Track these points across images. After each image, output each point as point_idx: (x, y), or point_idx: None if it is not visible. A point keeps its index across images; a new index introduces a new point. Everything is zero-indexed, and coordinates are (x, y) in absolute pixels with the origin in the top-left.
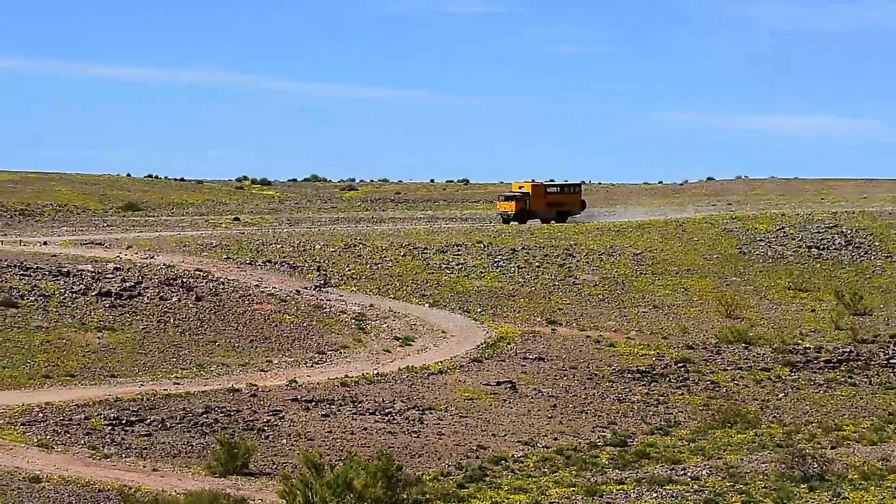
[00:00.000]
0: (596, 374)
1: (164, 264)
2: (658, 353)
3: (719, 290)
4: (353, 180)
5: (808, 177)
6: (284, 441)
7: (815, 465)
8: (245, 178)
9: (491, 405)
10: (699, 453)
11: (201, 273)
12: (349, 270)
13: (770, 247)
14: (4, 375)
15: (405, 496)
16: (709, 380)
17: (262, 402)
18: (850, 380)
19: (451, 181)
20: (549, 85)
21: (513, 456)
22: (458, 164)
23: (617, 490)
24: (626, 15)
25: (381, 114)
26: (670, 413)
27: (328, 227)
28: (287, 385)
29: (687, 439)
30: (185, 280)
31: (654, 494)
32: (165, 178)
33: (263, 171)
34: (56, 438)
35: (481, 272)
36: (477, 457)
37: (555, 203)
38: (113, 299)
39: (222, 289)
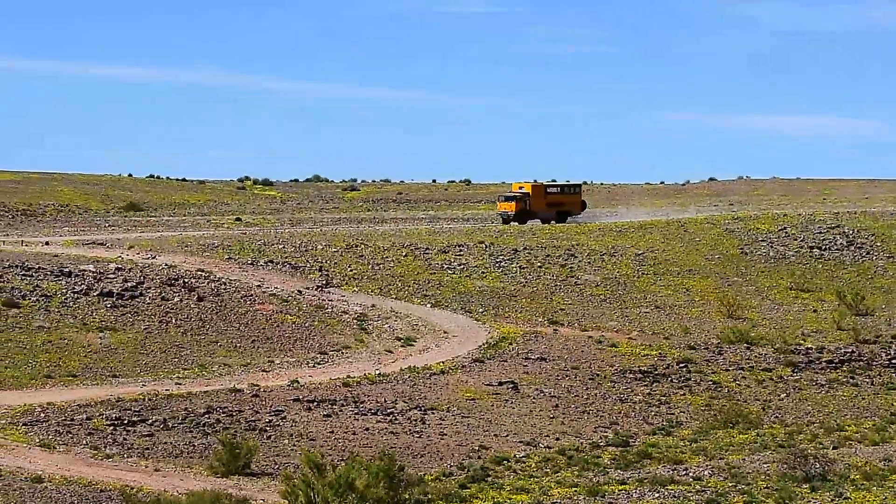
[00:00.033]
0: (598, 375)
1: (166, 264)
2: (660, 353)
3: (721, 291)
4: (355, 181)
5: (809, 177)
6: (286, 441)
7: (817, 466)
8: (247, 178)
9: (493, 405)
10: (701, 453)
11: (203, 273)
12: (351, 271)
13: (772, 247)
14: (6, 375)
15: (407, 496)
16: (711, 380)
17: (263, 403)
18: (852, 380)
19: (453, 181)
20: (550, 85)
21: (515, 456)
22: (460, 164)
23: (619, 490)
24: (626, 15)
25: (382, 114)
26: (672, 413)
27: (330, 228)
28: (289, 385)
29: (689, 439)
30: (186, 280)
31: (656, 495)
32: (167, 178)
33: (265, 172)
34: (58, 438)
35: (483, 272)
36: (479, 457)
37: (555, 203)
38: (115, 299)
39: (224, 289)
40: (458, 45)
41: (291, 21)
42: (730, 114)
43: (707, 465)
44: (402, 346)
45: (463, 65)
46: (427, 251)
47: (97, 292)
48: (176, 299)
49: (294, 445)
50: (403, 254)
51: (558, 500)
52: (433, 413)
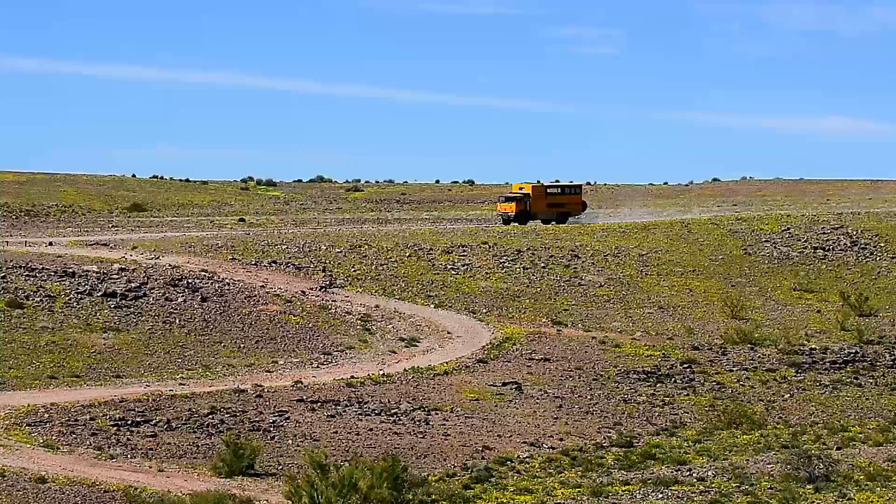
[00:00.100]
0: (601, 375)
1: (170, 265)
2: (663, 353)
3: (725, 291)
4: (359, 181)
5: (813, 178)
6: (290, 442)
7: (821, 466)
8: (250, 178)
9: (496, 406)
10: (705, 454)
11: (207, 274)
12: (355, 271)
13: (775, 248)
14: (10, 376)
15: (411, 497)
16: (714, 381)
17: (267, 403)
18: (856, 381)
19: (457, 182)
20: (554, 85)
21: (518, 457)
22: (464, 164)
23: (622, 491)
24: (632, 15)
25: (386, 114)
26: (676, 414)
27: (334, 228)
28: (293, 386)
29: (692, 440)
30: (190, 281)
31: (660, 495)
32: (171, 178)
33: (269, 172)
34: (62, 439)
35: (487, 273)
36: (482, 457)
37: (555, 204)
38: (118, 300)
39: (228, 289)
40: (464, 45)
41: (296, 21)
42: (735, 114)
43: (711, 466)
44: (405, 346)
45: (468, 65)
46: (431, 252)
47: (101, 293)
48: (179, 300)
49: (298, 446)
50: (407, 254)
51: (562, 501)
52: (437, 413)
